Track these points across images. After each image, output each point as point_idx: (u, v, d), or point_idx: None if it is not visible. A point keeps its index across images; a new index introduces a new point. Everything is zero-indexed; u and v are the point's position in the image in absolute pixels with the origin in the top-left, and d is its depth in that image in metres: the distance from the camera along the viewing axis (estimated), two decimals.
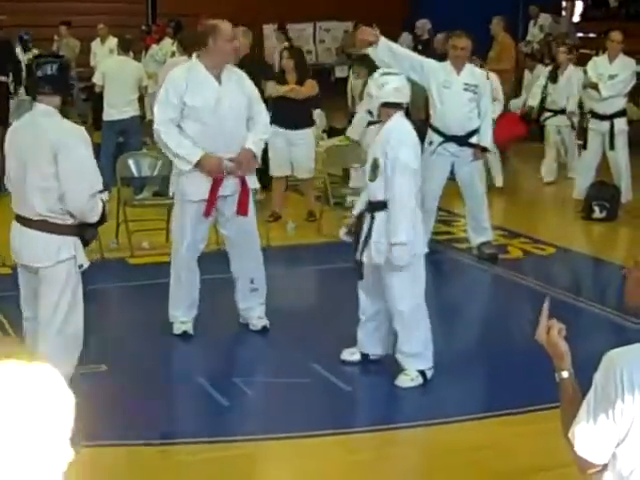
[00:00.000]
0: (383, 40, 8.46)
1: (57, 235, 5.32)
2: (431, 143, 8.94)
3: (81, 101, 15.89)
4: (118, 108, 11.49)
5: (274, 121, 10.58)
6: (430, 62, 9.00)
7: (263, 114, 7.16)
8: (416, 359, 6.22)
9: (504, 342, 7.01)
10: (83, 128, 5.54)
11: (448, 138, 8.95)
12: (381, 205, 6.10)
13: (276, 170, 10.58)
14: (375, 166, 6.08)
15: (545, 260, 9.43)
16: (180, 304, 7.12)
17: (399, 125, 6.16)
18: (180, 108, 6.77)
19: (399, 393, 6.18)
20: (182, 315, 7.11)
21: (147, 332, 7.25)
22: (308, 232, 10.30)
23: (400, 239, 5.97)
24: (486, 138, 9.03)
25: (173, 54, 13.86)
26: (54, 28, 18.05)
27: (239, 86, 6.95)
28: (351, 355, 6.56)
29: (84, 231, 5.43)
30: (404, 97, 6.23)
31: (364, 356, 6.54)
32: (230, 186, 6.90)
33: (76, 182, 5.22)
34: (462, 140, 8.97)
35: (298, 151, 10.35)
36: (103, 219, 5.52)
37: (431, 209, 8.77)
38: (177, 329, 7.09)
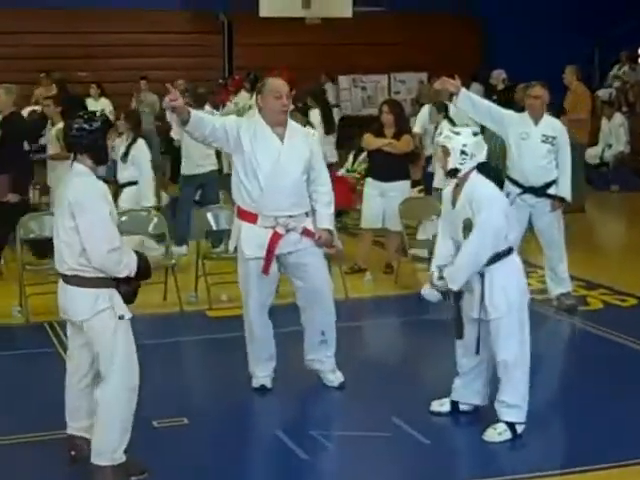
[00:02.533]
0: (463, 91, 8.56)
1: (92, 288, 5.42)
2: (508, 194, 8.90)
3: (159, 154, 16.12)
4: (196, 162, 11.63)
5: (369, 173, 10.73)
6: (509, 114, 9.00)
7: (324, 175, 7.02)
8: (513, 410, 6.14)
9: (585, 395, 6.90)
10: (105, 187, 5.57)
11: (526, 189, 8.92)
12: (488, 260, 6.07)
13: (366, 222, 10.62)
14: (469, 226, 6.03)
15: (626, 311, 9.29)
16: (256, 359, 7.11)
17: (480, 183, 6.13)
18: (243, 150, 6.72)
19: (483, 447, 6.09)
20: (259, 370, 7.10)
21: (227, 385, 7.27)
22: (385, 284, 10.30)
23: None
24: (565, 189, 8.97)
25: (250, 107, 14.04)
26: (133, 83, 18.39)
27: (304, 145, 6.87)
28: (440, 406, 6.51)
29: (119, 286, 5.49)
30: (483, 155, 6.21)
31: (454, 405, 6.47)
32: (291, 243, 6.83)
33: (93, 239, 5.31)
34: (540, 191, 8.94)
35: (391, 203, 10.32)
36: (143, 274, 5.56)
37: None
38: (255, 383, 7.09)
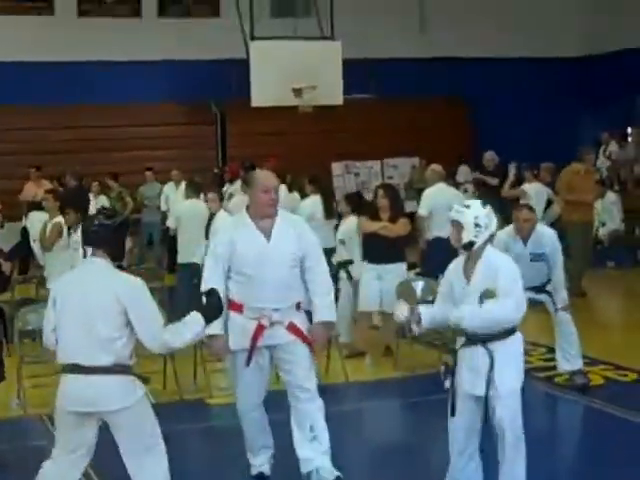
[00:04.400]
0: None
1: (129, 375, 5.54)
2: None
3: (159, 244, 16.21)
4: (192, 250, 11.66)
5: (365, 257, 10.77)
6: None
7: (321, 263, 6.89)
8: None
9: (590, 473, 6.84)
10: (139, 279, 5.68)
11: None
12: (495, 335, 6.02)
13: (364, 305, 10.62)
14: (491, 295, 5.97)
15: (627, 386, 9.27)
16: (250, 447, 7.02)
17: (498, 253, 6.21)
18: (226, 262, 6.68)
19: None
20: (254, 459, 7.01)
21: (227, 475, 7.21)
22: (385, 367, 10.27)
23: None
24: (559, 300, 9.10)
25: None
26: (129, 175, 18.54)
27: (295, 238, 6.74)
28: None
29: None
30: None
31: None
32: (277, 336, 6.72)
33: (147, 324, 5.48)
34: (539, 289, 9.02)
35: (388, 285, 10.26)
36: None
37: None
38: (253, 471, 7.00)
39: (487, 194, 16.36)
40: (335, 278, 13.80)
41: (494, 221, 6.15)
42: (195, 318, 5.62)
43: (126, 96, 20.33)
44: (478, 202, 6.29)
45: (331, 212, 12.85)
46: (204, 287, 6.43)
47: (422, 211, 12.22)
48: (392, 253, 10.45)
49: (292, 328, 6.72)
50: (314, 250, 6.84)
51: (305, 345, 6.78)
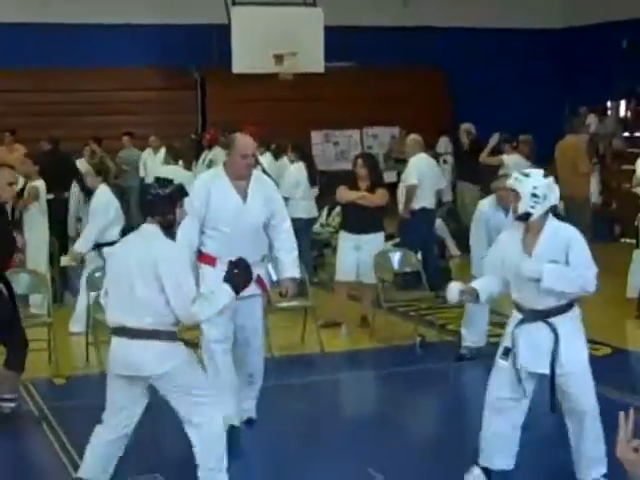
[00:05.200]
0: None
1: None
2: None
3: (138, 210, 16.13)
4: None
5: (343, 226, 10.77)
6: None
7: (286, 222, 7.29)
8: (602, 463, 5.96)
9: (561, 448, 6.89)
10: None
11: None
12: (557, 309, 5.91)
13: (341, 275, 10.63)
14: None
15: (600, 360, 9.33)
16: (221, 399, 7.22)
17: (562, 225, 5.99)
18: (202, 216, 6.93)
19: None
20: (227, 409, 7.14)
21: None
22: (361, 337, 10.31)
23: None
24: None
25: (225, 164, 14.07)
26: (109, 140, 18.42)
27: (266, 199, 7.09)
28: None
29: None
30: None
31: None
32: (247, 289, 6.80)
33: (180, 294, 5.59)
34: None
35: (365, 256, 10.34)
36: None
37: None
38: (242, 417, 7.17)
39: (464, 164, 16.46)
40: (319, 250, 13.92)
41: (555, 192, 5.91)
42: (224, 290, 5.75)
43: (106, 60, 20.16)
44: (539, 172, 6.03)
45: (314, 180, 12.85)
46: (181, 238, 6.52)
47: (412, 180, 12.13)
48: (370, 223, 10.45)
49: (259, 281, 6.97)
50: (280, 209, 7.27)
51: (263, 299, 7.25)
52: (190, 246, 6.93)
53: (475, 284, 6.12)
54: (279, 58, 18.93)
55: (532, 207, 5.81)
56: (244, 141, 7.04)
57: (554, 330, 5.83)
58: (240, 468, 6.40)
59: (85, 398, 8.26)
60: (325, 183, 13.88)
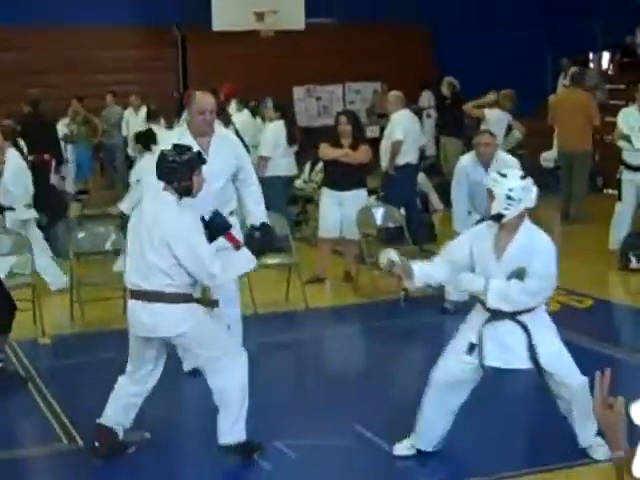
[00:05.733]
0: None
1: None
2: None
3: (125, 168, 16.09)
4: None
5: (326, 183, 10.77)
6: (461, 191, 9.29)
7: (253, 175, 7.60)
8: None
9: (542, 399, 6.95)
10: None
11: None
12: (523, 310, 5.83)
13: (325, 232, 10.64)
14: (521, 275, 5.70)
15: (583, 312, 9.40)
16: None
17: (536, 230, 5.89)
18: None
19: (445, 452, 6.09)
20: None
21: (187, 397, 7.28)
22: (345, 293, 10.34)
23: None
24: None
25: None
26: (91, 99, 18.30)
27: (230, 155, 7.32)
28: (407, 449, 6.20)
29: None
30: None
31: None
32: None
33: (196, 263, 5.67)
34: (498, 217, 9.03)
35: (348, 212, 10.38)
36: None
37: None
38: (186, 367, 7.32)
39: (447, 118, 16.45)
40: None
41: (532, 195, 5.78)
42: (244, 255, 5.84)
43: (85, 18, 19.92)
44: (517, 173, 5.96)
45: (294, 138, 12.81)
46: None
47: (398, 135, 12.08)
48: (353, 180, 10.45)
49: (229, 236, 6.97)
50: (247, 164, 7.54)
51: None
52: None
53: (416, 267, 6.01)
54: (260, 15, 18.84)
55: (506, 209, 5.73)
56: (202, 98, 7.25)
57: (524, 327, 5.77)
58: None
59: (70, 358, 8.31)
60: (307, 139, 13.87)
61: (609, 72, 20.90)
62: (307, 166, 14.20)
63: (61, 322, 9.32)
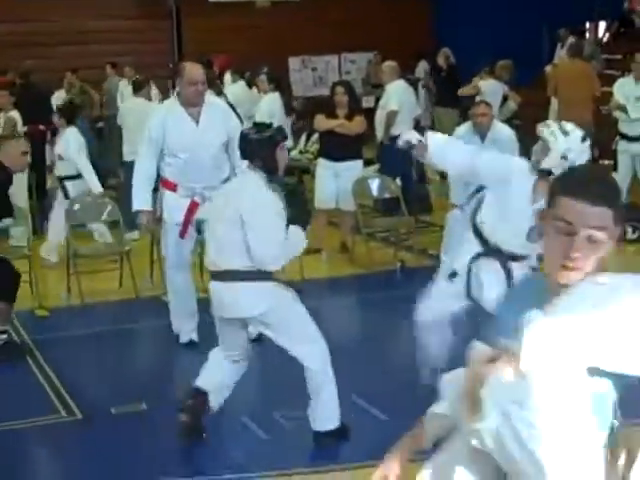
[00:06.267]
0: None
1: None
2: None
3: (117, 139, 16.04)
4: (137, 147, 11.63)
5: (322, 154, 10.76)
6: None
7: None
8: None
9: None
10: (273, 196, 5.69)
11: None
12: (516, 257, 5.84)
13: (321, 203, 10.61)
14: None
15: None
16: (180, 315, 7.74)
17: None
18: (159, 145, 7.35)
19: None
20: (185, 325, 7.70)
21: (183, 368, 7.29)
22: (341, 264, 10.35)
23: None
24: None
25: None
26: (87, 70, 18.22)
27: (221, 123, 7.42)
28: None
29: None
30: None
31: None
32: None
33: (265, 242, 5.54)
34: None
35: (344, 183, 10.36)
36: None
37: None
38: (183, 339, 7.64)
39: (443, 89, 16.41)
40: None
41: (584, 157, 5.53)
42: (297, 233, 5.68)
43: None
44: (579, 133, 5.62)
45: (290, 110, 12.80)
46: (138, 167, 7.36)
47: (394, 106, 12.06)
48: (348, 151, 10.43)
49: None
50: (237, 134, 7.29)
51: None
52: (148, 176, 7.41)
53: (434, 146, 5.93)
54: None
55: (557, 168, 5.37)
56: (191, 69, 7.35)
57: (508, 272, 5.76)
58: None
59: (68, 330, 8.33)
60: (303, 109, 13.84)
61: (604, 41, 20.84)
62: (303, 137, 14.18)
63: (58, 294, 9.32)
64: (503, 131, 9.24)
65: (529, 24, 20.72)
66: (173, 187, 7.45)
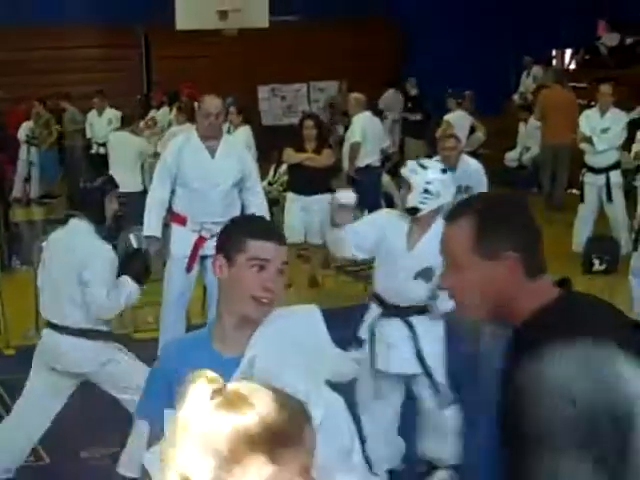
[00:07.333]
0: None
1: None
2: None
3: (80, 171, 16.00)
4: (120, 180, 11.60)
5: (291, 188, 10.80)
6: None
7: (259, 185, 7.95)
8: None
9: None
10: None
11: None
12: (417, 310, 5.71)
13: (289, 236, 10.58)
14: (428, 276, 5.43)
15: None
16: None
17: None
18: (173, 173, 7.45)
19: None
20: None
21: None
22: (310, 298, 10.32)
23: None
24: None
25: (170, 124, 14.01)
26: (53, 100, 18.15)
27: (236, 161, 7.54)
28: None
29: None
30: None
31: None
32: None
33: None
34: None
35: (313, 216, 10.41)
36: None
37: None
38: None
39: (412, 130, 16.50)
40: None
41: (450, 190, 5.56)
42: (128, 282, 5.80)
43: (45, 17, 19.76)
44: (438, 165, 5.71)
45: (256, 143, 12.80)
46: (152, 194, 7.48)
47: (356, 137, 12.14)
48: (317, 184, 10.47)
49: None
50: (253, 172, 7.78)
51: None
52: (161, 203, 7.53)
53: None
54: (223, 14, 18.74)
55: (422, 202, 5.44)
56: (207, 101, 7.50)
57: (411, 328, 5.65)
58: None
59: None
60: (272, 139, 13.82)
61: (571, 69, 21.02)
62: (271, 168, 14.17)
63: (26, 332, 9.24)
64: (471, 164, 9.30)
65: (496, 52, 20.88)
66: (182, 221, 7.57)
